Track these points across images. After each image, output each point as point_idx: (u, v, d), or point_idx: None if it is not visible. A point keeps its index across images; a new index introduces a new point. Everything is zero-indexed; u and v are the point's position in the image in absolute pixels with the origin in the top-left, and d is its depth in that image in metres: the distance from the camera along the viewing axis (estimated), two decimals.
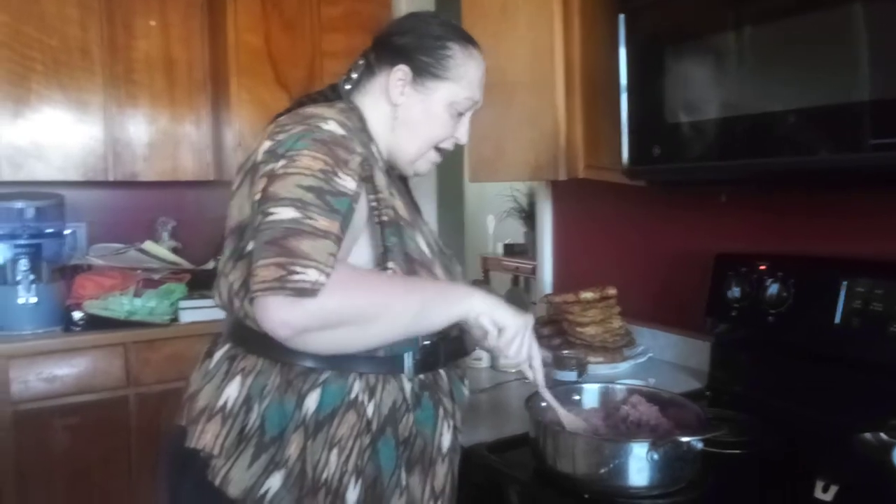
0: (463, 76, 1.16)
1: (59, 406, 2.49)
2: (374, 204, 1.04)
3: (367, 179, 1.04)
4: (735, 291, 1.56)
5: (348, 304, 0.95)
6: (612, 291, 1.87)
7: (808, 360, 1.45)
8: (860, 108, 1.11)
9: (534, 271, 2.61)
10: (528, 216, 4.89)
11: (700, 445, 1.10)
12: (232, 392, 1.05)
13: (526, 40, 1.73)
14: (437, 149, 1.21)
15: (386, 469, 1.03)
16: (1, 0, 2.67)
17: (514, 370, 1.75)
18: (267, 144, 1.03)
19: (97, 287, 2.67)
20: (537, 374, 1.15)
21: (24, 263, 2.54)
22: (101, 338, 2.57)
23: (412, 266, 1.06)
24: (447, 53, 1.15)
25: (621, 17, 1.50)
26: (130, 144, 2.97)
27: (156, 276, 2.84)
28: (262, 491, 0.99)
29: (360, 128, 1.11)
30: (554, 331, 1.93)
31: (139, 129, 2.99)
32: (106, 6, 2.87)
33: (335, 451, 1.00)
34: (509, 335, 1.06)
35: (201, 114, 3.12)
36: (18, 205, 2.62)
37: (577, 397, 1.32)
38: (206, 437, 1.03)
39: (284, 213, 0.92)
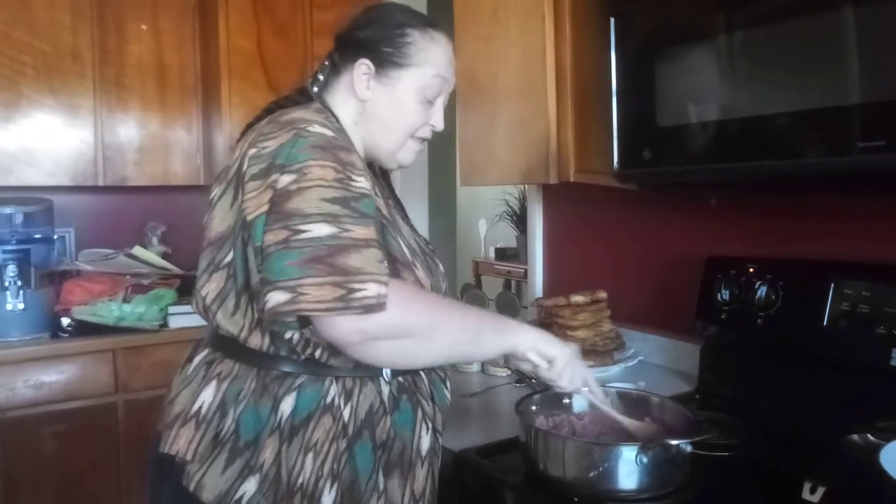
0: (426, 60, 1.15)
1: (47, 413, 2.46)
2: None
3: None
4: (724, 294, 1.56)
5: (414, 317, 0.98)
6: (602, 295, 1.87)
7: (797, 362, 1.45)
8: (849, 112, 1.11)
9: (525, 276, 2.61)
10: (520, 220, 4.89)
11: (689, 448, 1.09)
12: (207, 397, 1.05)
13: (517, 44, 1.73)
14: (416, 138, 1.20)
15: (363, 473, 1.02)
16: None
17: (504, 374, 1.74)
18: (251, 151, 1.01)
19: (86, 293, 2.66)
20: (597, 394, 1.18)
21: (12, 269, 2.51)
22: (89, 344, 2.55)
23: (395, 266, 1.04)
24: (407, 41, 1.14)
25: (612, 20, 1.50)
26: (121, 149, 2.96)
27: (145, 282, 2.83)
28: (237, 496, 0.99)
29: (339, 128, 1.10)
30: None
31: (130, 133, 2.98)
32: (98, 11, 2.86)
33: (310, 456, 0.99)
34: (559, 367, 1.10)
35: (192, 118, 3.12)
36: (7, 210, 2.59)
37: (566, 401, 1.32)
38: (180, 442, 1.03)
39: (319, 230, 0.91)
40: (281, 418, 1.00)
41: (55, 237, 2.84)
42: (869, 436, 1.11)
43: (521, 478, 1.18)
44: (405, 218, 1.24)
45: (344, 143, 1.03)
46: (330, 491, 1.00)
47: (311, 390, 1.02)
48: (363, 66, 1.14)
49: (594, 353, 1.80)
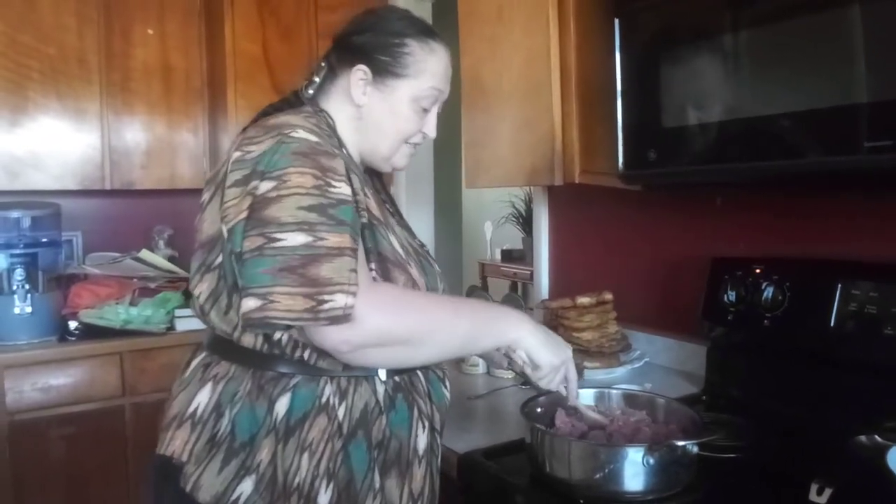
0: (423, 71, 1.15)
1: (54, 416, 2.47)
2: (356, 207, 1.03)
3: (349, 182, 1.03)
4: (731, 295, 1.56)
5: (402, 324, 0.99)
6: (608, 296, 1.86)
7: (804, 363, 1.45)
8: (856, 111, 1.11)
9: (531, 277, 2.61)
10: (526, 222, 4.89)
11: (696, 449, 1.09)
12: (203, 398, 1.06)
13: (522, 45, 1.73)
14: (409, 143, 1.21)
15: (358, 472, 1.02)
16: None
17: (510, 375, 1.74)
18: (236, 154, 1.02)
19: (93, 296, 2.66)
20: (570, 394, 1.20)
21: (19, 273, 2.53)
22: (96, 347, 2.56)
23: (385, 265, 1.05)
24: (405, 51, 1.14)
25: (617, 21, 1.50)
26: (128, 153, 2.97)
27: (152, 285, 2.84)
28: (234, 496, 0.99)
29: (329, 133, 1.10)
30: None
31: (136, 137, 2.99)
32: (104, 15, 2.88)
33: (306, 455, 1.00)
34: (543, 373, 1.12)
35: (198, 121, 3.13)
36: (15, 214, 2.61)
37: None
38: (176, 443, 1.04)
39: (294, 239, 0.92)
40: (276, 418, 1.00)
41: (62, 241, 2.85)
42: (876, 437, 1.11)
43: (526, 479, 1.18)
44: (400, 219, 1.24)
45: (328, 148, 1.02)
46: (326, 490, 1.00)
47: (306, 390, 1.02)
48: (360, 71, 1.14)
49: (600, 354, 1.80)
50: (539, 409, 1.26)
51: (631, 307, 1.95)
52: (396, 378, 1.08)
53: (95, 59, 2.87)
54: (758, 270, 1.53)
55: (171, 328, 2.73)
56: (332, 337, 0.94)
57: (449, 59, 1.20)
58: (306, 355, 1.02)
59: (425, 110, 1.18)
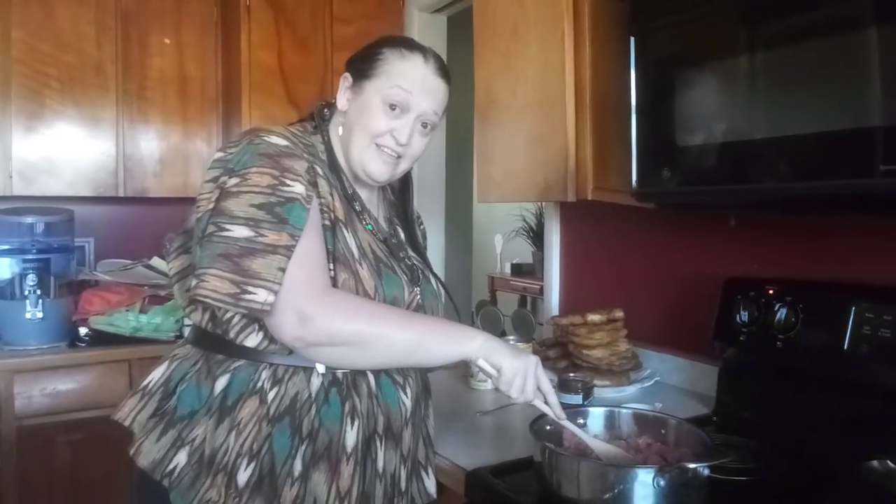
0: (390, 72, 1.20)
1: (62, 422, 2.48)
2: (320, 209, 1.11)
3: (312, 185, 1.11)
4: (743, 315, 1.55)
5: (350, 327, 1.06)
6: (619, 314, 1.85)
7: (817, 385, 1.43)
8: (871, 134, 1.10)
9: (541, 292, 2.60)
10: (537, 236, 4.88)
11: (707, 472, 1.08)
12: (157, 374, 1.18)
13: (536, 60, 1.73)
14: (379, 146, 1.21)
15: (279, 457, 1.07)
16: (17, 17, 2.71)
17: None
18: (218, 154, 1.15)
19: (103, 303, 2.67)
20: (555, 409, 1.19)
21: (31, 278, 2.54)
22: (106, 354, 2.57)
23: (335, 262, 1.11)
24: (379, 56, 1.21)
25: (632, 38, 1.50)
26: (142, 160, 3.00)
27: (162, 293, 2.84)
28: (171, 466, 1.07)
29: (311, 143, 1.19)
30: (560, 353, 1.91)
31: (151, 145, 3.02)
32: (121, 24, 2.91)
33: (234, 434, 1.06)
34: (507, 377, 1.13)
35: (213, 130, 3.15)
36: (28, 220, 2.63)
37: (581, 421, 1.30)
38: (124, 409, 1.17)
39: (239, 232, 1.02)
40: (215, 398, 1.08)
41: (75, 247, 2.86)
42: (889, 462, 1.10)
43: (534, 498, 1.17)
44: (366, 222, 1.24)
45: (295, 151, 1.11)
46: (246, 468, 1.06)
47: (245, 374, 1.09)
48: (344, 79, 1.24)
49: (610, 372, 1.79)
50: (548, 427, 1.25)
51: (642, 325, 1.94)
52: (339, 374, 1.12)
53: (112, 67, 2.90)
54: (771, 291, 1.52)
55: (180, 336, 2.73)
56: (287, 333, 1.03)
57: (426, 70, 1.22)
58: (252, 341, 1.09)
59: (395, 112, 1.19)
